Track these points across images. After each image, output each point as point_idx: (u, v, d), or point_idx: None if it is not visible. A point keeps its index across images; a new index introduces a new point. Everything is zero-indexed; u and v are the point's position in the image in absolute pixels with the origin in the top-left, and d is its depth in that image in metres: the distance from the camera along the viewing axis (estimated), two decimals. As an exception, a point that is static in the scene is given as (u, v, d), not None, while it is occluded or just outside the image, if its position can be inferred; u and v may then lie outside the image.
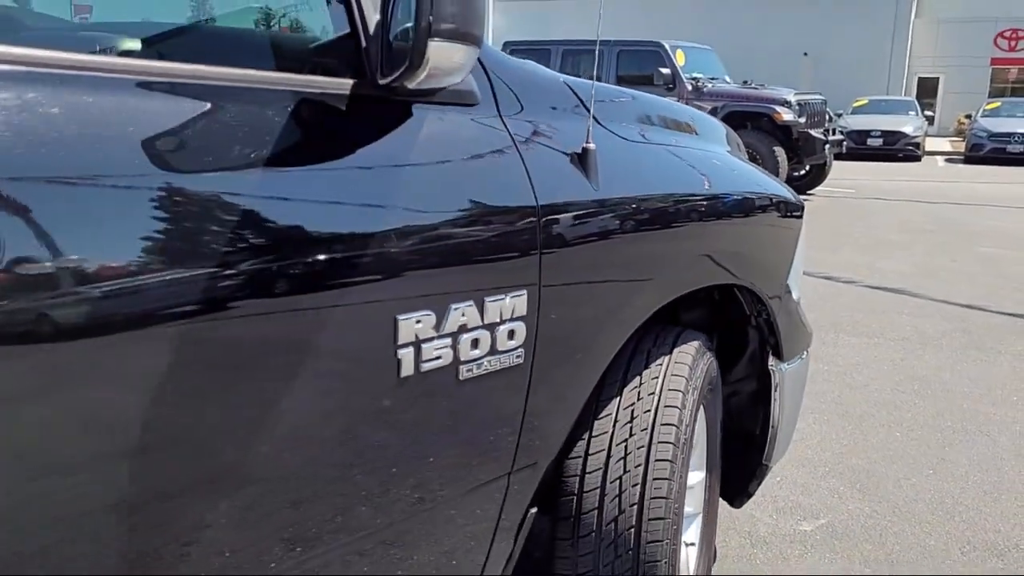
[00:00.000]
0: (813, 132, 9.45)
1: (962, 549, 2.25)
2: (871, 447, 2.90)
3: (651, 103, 1.78)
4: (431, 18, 0.85)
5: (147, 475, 0.85)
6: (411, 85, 0.95)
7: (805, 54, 26.64)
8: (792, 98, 9.31)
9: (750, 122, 9.26)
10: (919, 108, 20.18)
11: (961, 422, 3.15)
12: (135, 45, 1.10)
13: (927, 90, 28.93)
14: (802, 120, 9.33)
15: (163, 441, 0.85)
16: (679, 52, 9.82)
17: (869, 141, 17.69)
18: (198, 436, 0.88)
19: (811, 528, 2.35)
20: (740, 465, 2.04)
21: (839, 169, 12.25)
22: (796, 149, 9.32)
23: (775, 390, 1.93)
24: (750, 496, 2.08)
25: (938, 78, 29.53)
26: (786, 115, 9.16)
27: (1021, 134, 17.39)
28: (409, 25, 0.98)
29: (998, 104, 20.11)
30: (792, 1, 27.55)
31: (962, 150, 19.20)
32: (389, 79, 0.96)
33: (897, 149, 18.00)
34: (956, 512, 2.45)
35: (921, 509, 2.46)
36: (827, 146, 9.79)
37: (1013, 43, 28.76)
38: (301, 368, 0.97)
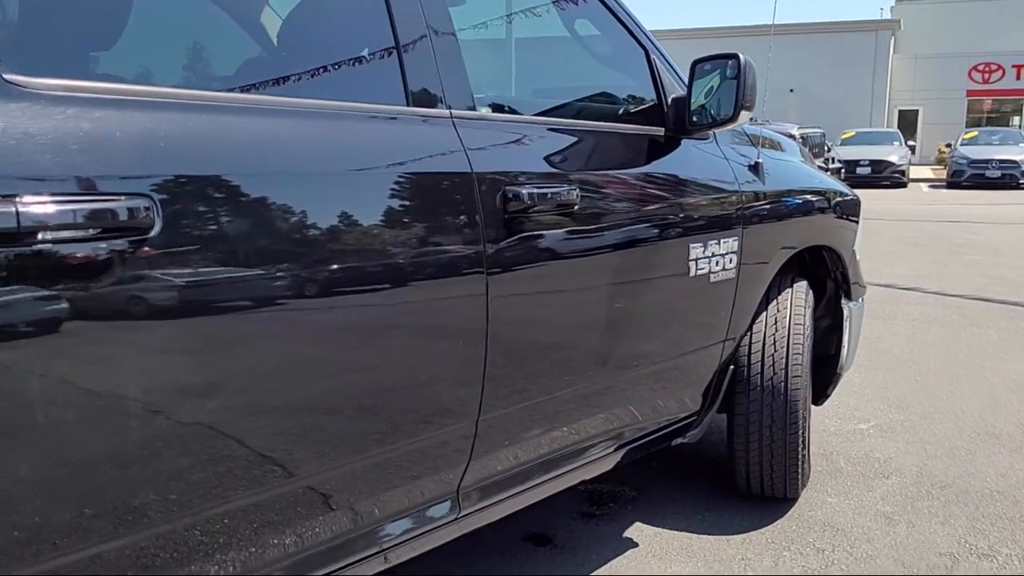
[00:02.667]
0: (814, 161, 10.63)
1: (970, 436, 3.28)
2: (899, 385, 3.94)
3: (762, 132, 2.85)
4: (744, 99, 1.92)
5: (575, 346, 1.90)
6: (719, 133, 2.02)
7: (791, 90, 28.09)
8: (796, 132, 10.52)
9: (758, 154, 10.41)
10: (902, 138, 21.54)
11: (963, 370, 4.20)
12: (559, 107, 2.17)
13: (908, 122, 30.46)
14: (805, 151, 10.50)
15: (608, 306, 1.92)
16: (692, 93, 11.00)
17: (858, 170, 18.95)
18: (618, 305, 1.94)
19: (866, 427, 3.38)
20: (821, 377, 3.06)
21: (835, 195, 13.39)
22: (800, 177, 10.45)
23: (847, 321, 2.97)
24: (828, 397, 3.08)
25: (918, 110, 31.11)
26: (790, 147, 10.32)
27: (998, 160, 18.72)
28: (681, 96, 2.06)
29: (975, 133, 21.52)
30: (778, 41, 29.06)
31: (944, 177, 20.55)
32: (700, 126, 2.03)
33: (884, 177, 19.28)
34: (965, 417, 3.49)
35: (940, 417, 3.50)
36: (827, 174, 10.95)
37: (986, 76, 30.41)
38: (652, 268, 2.02)
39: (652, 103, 2.13)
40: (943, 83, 30.22)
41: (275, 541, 1.34)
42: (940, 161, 25.25)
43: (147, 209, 1.08)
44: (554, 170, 1.78)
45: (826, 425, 3.39)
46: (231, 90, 1.34)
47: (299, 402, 1.33)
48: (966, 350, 4.59)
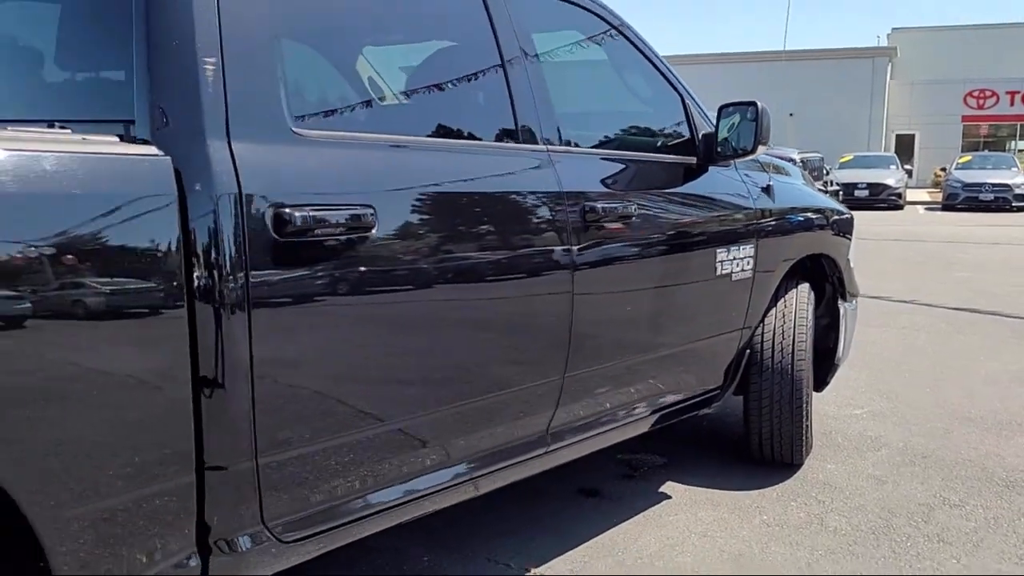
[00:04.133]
0: (815, 184, 11.24)
1: (949, 419, 3.82)
2: (890, 381, 4.49)
3: (771, 160, 3.42)
4: (761, 136, 2.48)
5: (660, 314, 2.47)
6: (738, 162, 2.59)
7: (791, 115, 28.79)
8: (796, 156, 11.12)
9: (760, 177, 11.04)
10: (899, 162, 22.19)
11: (946, 369, 4.74)
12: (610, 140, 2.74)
13: (904, 146, 31.18)
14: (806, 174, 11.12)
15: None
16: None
17: (856, 193, 19.57)
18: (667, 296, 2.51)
19: (860, 412, 3.93)
20: (821, 368, 3.60)
21: (833, 216, 13.99)
22: (800, 198, 11.04)
23: (843, 319, 3.51)
24: (827, 384, 3.61)
25: (914, 135, 31.83)
26: (791, 170, 10.92)
27: (991, 184, 19.37)
28: (710, 132, 2.63)
29: (970, 158, 22.18)
30: (778, 67, 29.88)
31: (939, 199, 21.17)
32: (725, 156, 2.59)
33: (881, 199, 19.91)
34: (946, 405, 4.03)
35: (924, 406, 4.04)
36: (826, 195, 11.56)
37: (981, 101, 31.17)
38: (688, 268, 2.58)
39: (686, 138, 2.70)
40: (939, 108, 30.98)
41: (414, 459, 1.88)
42: (936, 184, 25.90)
43: (372, 215, 1.63)
44: (616, 190, 2.34)
45: (826, 411, 3.93)
46: (409, 134, 1.90)
47: (445, 362, 1.88)
48: (951, 353, 5.14)
